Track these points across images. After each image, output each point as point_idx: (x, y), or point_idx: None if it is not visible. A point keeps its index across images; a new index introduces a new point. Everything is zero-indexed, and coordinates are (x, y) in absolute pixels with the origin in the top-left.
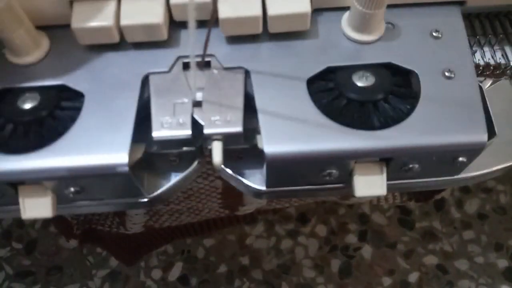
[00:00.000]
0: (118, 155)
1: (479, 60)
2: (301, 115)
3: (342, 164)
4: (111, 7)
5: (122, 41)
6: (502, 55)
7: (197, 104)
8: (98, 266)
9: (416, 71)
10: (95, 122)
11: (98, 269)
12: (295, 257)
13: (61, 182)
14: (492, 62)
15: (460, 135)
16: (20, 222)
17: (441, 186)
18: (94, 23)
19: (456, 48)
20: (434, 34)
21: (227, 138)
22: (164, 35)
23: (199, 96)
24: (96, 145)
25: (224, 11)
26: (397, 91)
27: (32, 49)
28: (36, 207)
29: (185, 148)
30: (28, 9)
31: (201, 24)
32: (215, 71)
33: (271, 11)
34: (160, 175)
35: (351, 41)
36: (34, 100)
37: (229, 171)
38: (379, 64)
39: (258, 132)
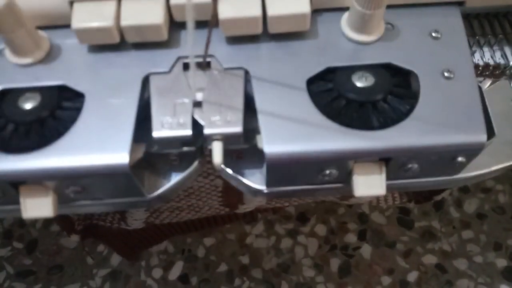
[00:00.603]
0: (118, 155)
1: (478, 60)
2: (301, 115)
3: (342, 164)
4: (111, 8)
5: (122, 42)
6: (502, 55)
7: (197, 104)
8: (98, 266)
9: (416, 72)
10: (96, 122)
11: (98, 269)
12: (294, 256)
13: (62, 182)
14: (491, 62)
15: (459, 135)
16: (21, 222)
17: (440, 186)
18: (94, 24)
19: (455, 49)
20: (433, 34)
21: (227, 138)
22: (164, 35)
23: (199, 96)
24: (97, 145)
25: (224, 11)
26: (396, 91)
27: (33, 50)
28: (37, 206)
29: (185, 148)
30: (29, 10)
31: (201, 24)
32: (215, 72)
33: (271, 11)
34: (161, 175)
35: (351, 41)
36: (34, 100)
37: (229, 171)
38: (378, 64)
39: (258, 132)
